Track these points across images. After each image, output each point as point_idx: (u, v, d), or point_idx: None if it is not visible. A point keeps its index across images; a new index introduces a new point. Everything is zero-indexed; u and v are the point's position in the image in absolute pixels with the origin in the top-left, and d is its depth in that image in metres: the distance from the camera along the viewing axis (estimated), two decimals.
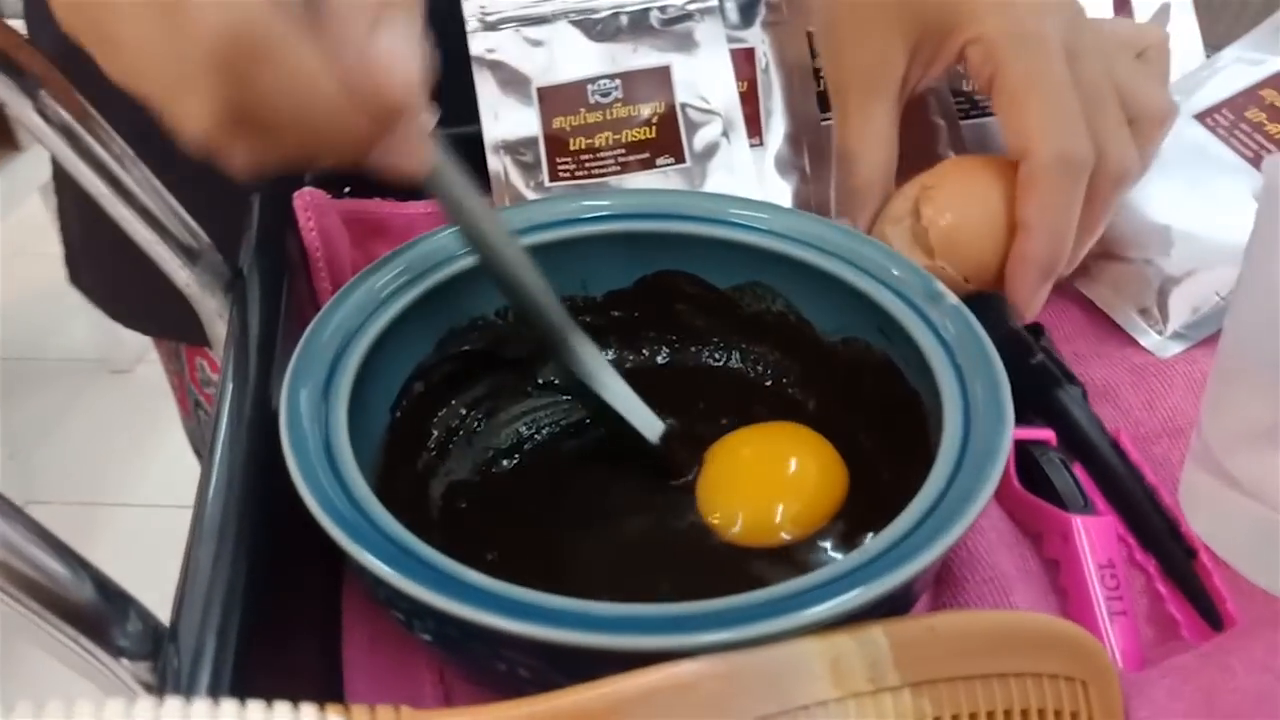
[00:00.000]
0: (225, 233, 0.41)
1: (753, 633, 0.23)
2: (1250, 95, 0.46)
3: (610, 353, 0.40)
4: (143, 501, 1.57)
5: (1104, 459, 0.35)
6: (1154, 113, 0.40)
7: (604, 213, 0.39)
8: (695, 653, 0.23)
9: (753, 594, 0.24)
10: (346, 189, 0.46)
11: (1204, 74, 0.49)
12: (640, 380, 0.40)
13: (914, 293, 0.35)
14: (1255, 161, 0.43)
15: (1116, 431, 0.36)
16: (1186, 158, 0.45)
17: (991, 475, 0.27)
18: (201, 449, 0.73)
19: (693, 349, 0.40)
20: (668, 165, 0.46)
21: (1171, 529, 0.34)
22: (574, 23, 0.48)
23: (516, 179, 0.46)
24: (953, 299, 0.34)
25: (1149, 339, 0.41)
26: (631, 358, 0.41)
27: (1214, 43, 0.52)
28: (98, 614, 0.24)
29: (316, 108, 0.24)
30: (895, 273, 0.36)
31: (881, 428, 0.35)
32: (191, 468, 0.36)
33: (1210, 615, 0.32)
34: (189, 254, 0.38)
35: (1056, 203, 0.37)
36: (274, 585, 0.30)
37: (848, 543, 0.32)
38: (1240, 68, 0.47)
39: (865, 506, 0.33)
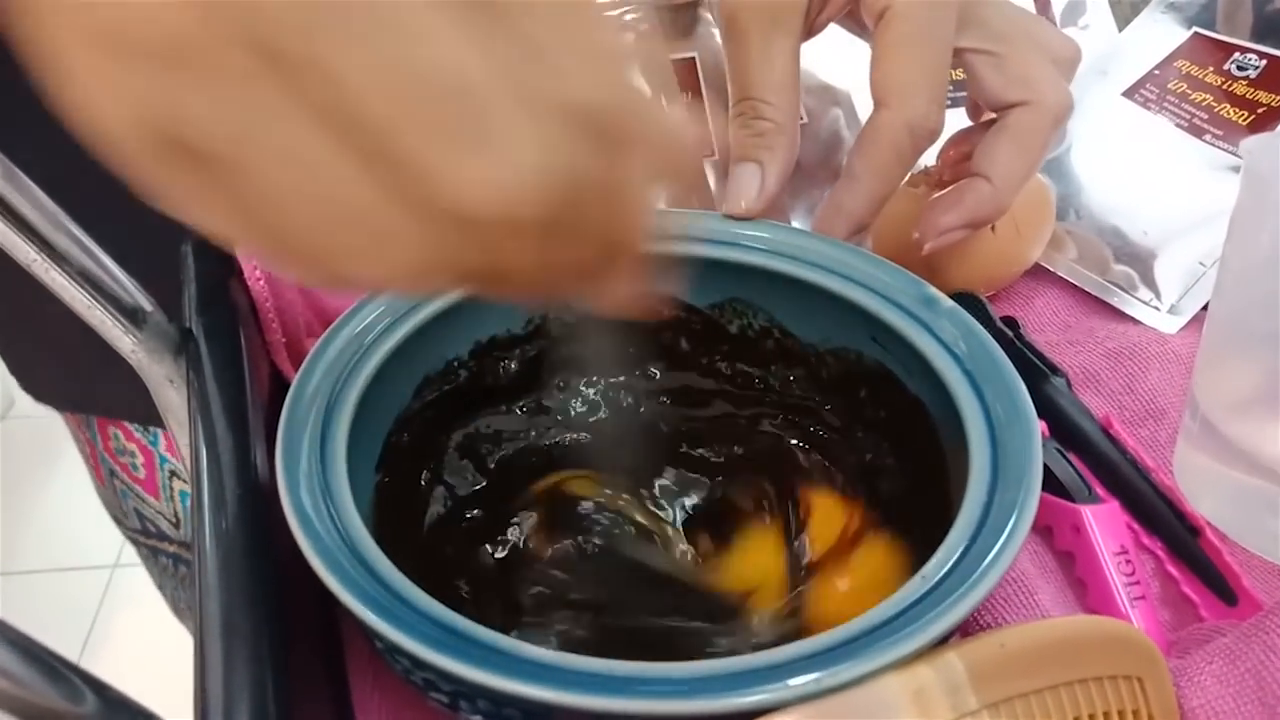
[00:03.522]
0: (159, 287, 0.38)
1: (840, 678, 0.22)
2: (1167, 68, 0.48)
3: (596, 386, 0.39)
4: (24, 568, 1.47)
5: (1098, 447, 0.36)
6: (1069, 55, 0.40)
7: None
8: (786, 705, 0.22)
9: (828, 635, 0.24)
10: None
11: (1116, 52, 0.50)
12: (630, 410, 0.39)
13: (906, 298, 0.34)
14: (1192, 130, 0.45)
15: (1106, 417, 0.37)
16: (1127, 135, 0.47)
17: (1033, 484, 0.27)
18: (119, 516, 0.68)
19: (679, 373, 0.39)
20: None
21: (1173, 509, 0.34)
22: None
23: None
24: (947, 302, 0.34)
25: (1145, 314, 0.42)
26: (619, 389, 0.39)
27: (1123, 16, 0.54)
28: None
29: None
30: (885, 279, 0.35)
31: (889, 438, 0.35)
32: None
33: (1224, 592, 0.32)
34: (132, 317, 0.35)
35: (888, 164, 0.36)
36: (285, 665, 0.27)
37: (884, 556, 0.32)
38: (1148, 42, 0.49)
39: (891, 518, 0.33)
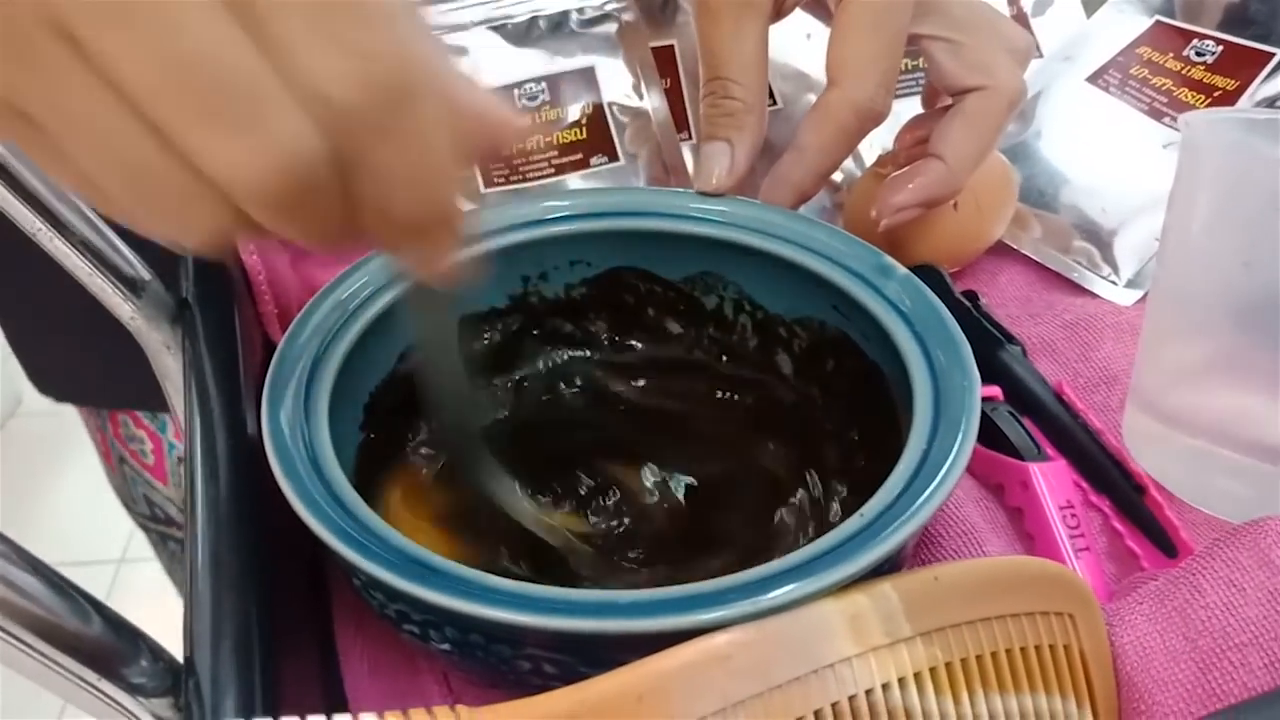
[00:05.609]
0: (159, 262, 0.40)
1: (778, 600, 0.24)
2: (1129, 55, 0.50)
3: (571, 353, 0.41)
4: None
5: (1050, 410, 0.37)
6: (1023, 45, 0.42)
7: (550, 215, 0.40)
8: (728, 625, 0.24)
9: (771, 564, 0.25)
10: None
11: (1083, 38, 0.52)
12: (607, 378, 0.41)
13: (864, 268, 0.36)
14: (1152, 113, 0.47)
15: (1058, 384, 0.38)
16: (1090, 118, 0.48)
17: (969, 430, 0.29)
18: (129, 502, 0.71)
19: (653, 344, 0.41)
20: (601, 164, 0.47)
21: (1120, 468, 0.36)
22: (493, 29, 0.48)
23: None
24: (902, 270, 0.36)
25: (1104, 289, 0.44)
26: (595, 357, 0.41)
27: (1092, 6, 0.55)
28: (112, 653, 0.24)
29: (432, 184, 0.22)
30: (844, 250, 0.37)
31: (847, 401, 0.37)
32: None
33: (1165, 545, 0.34)
34: (131, 286, 0.37)
35: (834, 140, 0.38)
36: (272, 611, 0.29)
37: (825, 505, 0.34)
38: (1113, 30, 0.51)
39: (842, 472, 0.35)
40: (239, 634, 0.26)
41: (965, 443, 0.28)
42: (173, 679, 0.25)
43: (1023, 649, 0.27)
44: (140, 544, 0.80)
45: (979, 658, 0.26)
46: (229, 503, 0.30)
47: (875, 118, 0.37)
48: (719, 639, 0.23)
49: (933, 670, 0.26)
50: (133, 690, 0.24)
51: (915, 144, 0.41)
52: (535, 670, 0.26)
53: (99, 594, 0.25)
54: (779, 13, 0.40)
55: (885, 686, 0.25)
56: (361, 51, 0.20)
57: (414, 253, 0.25)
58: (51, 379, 0.66)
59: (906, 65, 0.52)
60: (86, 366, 0.63)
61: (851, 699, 0.24)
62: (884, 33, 0.37)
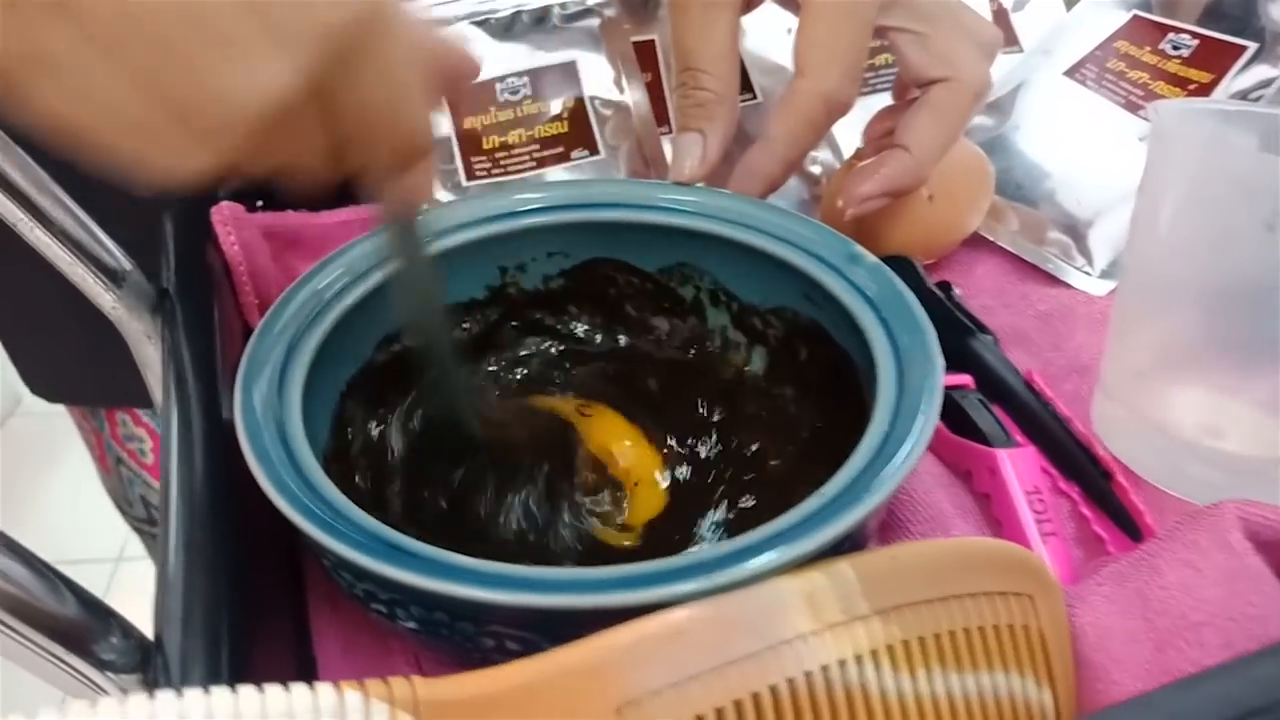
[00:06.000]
0: (141, 253, 0.40)
1: (734, 577, 0.24)
2: (1107, 48, 0.50)
3: (550, 343, 0.42)
4: None
5: (1020, 397, 0.38)
6: (990, 38, 0.42)
7: (526, 207, 0.40)
8: (684, 601, 0.24)
9: (730, 541, 0.26)
10: (259, 203, 0.46)
11: (1062, 32, 0.52)
12: (585, 367, 0.41)
13: (834, 257, 0.37)
14: (1129, 106, 0.47)
15: (1029, 372, 0.39)
16: (1067, 112, 0.49)
17: (930, 413, 0.29)
18: (125, 506, 0.71)
19: (631, 333, 0.42)
20: (582, 158, 0.47)
21: (1088, 454, 0.36)
22: (476, 23, 0.48)
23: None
24: (871, 259, 0.36)
25: (1079, 280, 0.44)
26: (573, 347, 0.42)
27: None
28: (83, 630, 0.24)
29: (402, 114, 0.25)
30: (815, 240, 0.37)
31: (818, 389, 0.37)
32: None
33: (1130, 529, 0.34)
34: (112, 276, 0.38)
35: (801, 130, 0.39)
36: (245, 590, 0.30)
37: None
38: (1091, 23, 0.51)
39: (810, 458, 0.35)
40: (208, 612, 0.26)
41: (926, 425, 0.29)
42: (142, 655, 0.25)
43: (981, 628, 0.28)
44: (138, 542, 0.80)
45: (937, 636, 0.27)
46: (204, 486, 0.30)
47: (842, 108, 0.38)
48: (675, 614, 0.24)
49: (890, 648, 0.26)
50: (102, 666, 0.25)
51: (883, 135, 0.42)
52: (499, 648, 0.27)
53: (97, 592, 0.25)
54: (749, 5, 0.40)
55: (842, 663, 0.25)
56: None
57: (391, 180, 0.27)
58: (46, 380, 0.66)
59: (887, 61, 0.52)
60: (81, 366, 0.64)
61: (808, 675, 0.25)
62: (850, 24, 0.37)
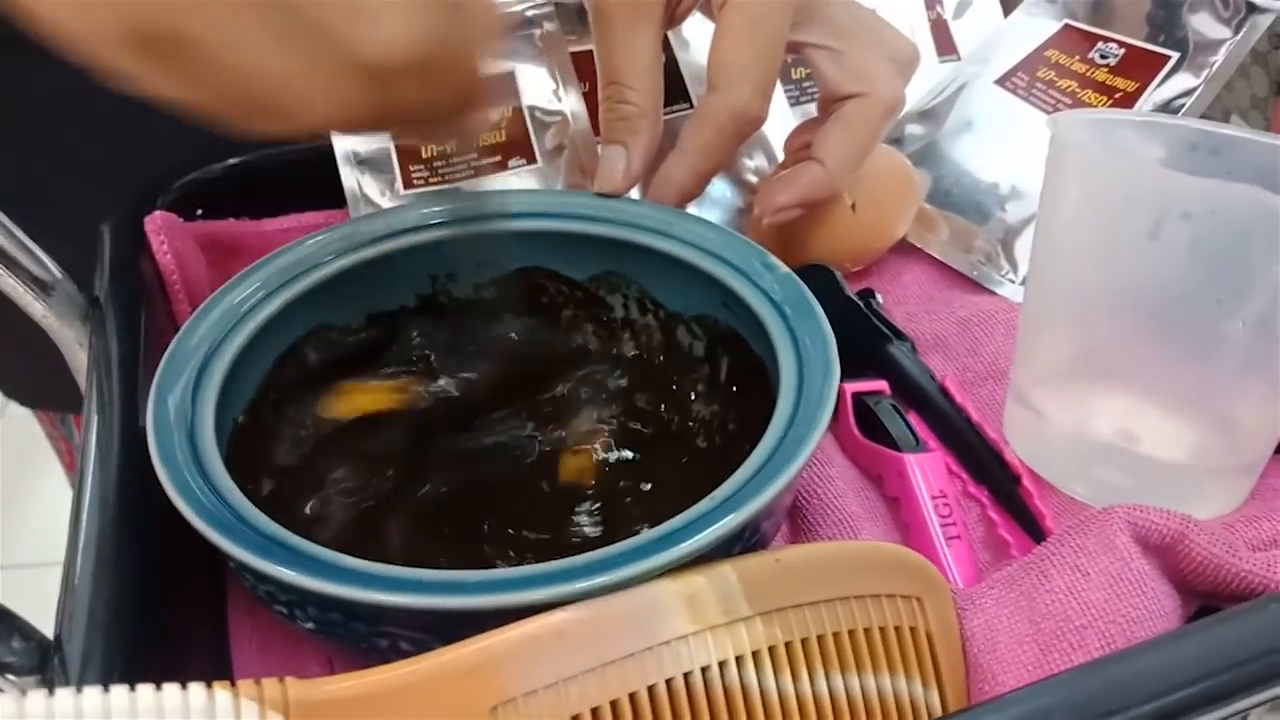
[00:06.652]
0: (76, 262, 0.41)
1: (615, 578, 0.25)
2: (1037, 57, 0.51)
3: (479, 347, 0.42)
4: (22, 562, 1.51)
5: (933, 403, 0.39)
6: (907, 55, 0.43)
7: (458, 215, 0.41)
8: (566, 603, 0.25)
9: (614, 546, 0.26)
10: (199, 211, 0.47)
11: (995, 42, 0.53)
12: (512, 365, 0.42)
13: (749, 267, 0.37)
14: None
15: (944, 378, 0.40)
16: (998, 120, 0.50)
17: (821, 420, 0.30)
18: None
19: (559, 337, 0.42)
20: (520, 166, 0.48)
21: (998, 459, 0.37)
22: None
23: (370, 189, 0.47)
24: (783, 268, 0.37)
25: (1005, 289, 0.45)
26: (503, 348, 0.42)
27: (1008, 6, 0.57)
28: None
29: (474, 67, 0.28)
30: (732, 249, 0.38)
31: (735, 395, 0.38)
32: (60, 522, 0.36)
33: (1034, 532, 0.35)
34: (42, 286, 0.38)
35: (713, 143, 0.40)
36: (157, 592, 0.30)
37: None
38: (1025, 33, 0.52)
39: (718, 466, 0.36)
40: (109, 613, 0.27)
41: (817, 428, 0.29)
42: (40, 656, 0.26)
43: (867, 630, 0.28)
44: None
45: (820, 638, 0.27)
46: (117, 489, 0.31)
47: (752, 122, 0.39)
48: (554, 616, 0.25)
49: (772, 649, 0.27)
50: (1, 668, 0.25)
51: (801, 148, 0.43)
52: (393, 648, 0.27)
53: None
54: (672, 19, 0.41)
55: (723, 664, 0.26)
56: None
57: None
58: (14, 385, 0.67)
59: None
60: (46, 371, 0.64)
61: (687, 676, 0.25)
62: (760, 39, 0.38)
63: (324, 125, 0.27)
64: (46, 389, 0.66)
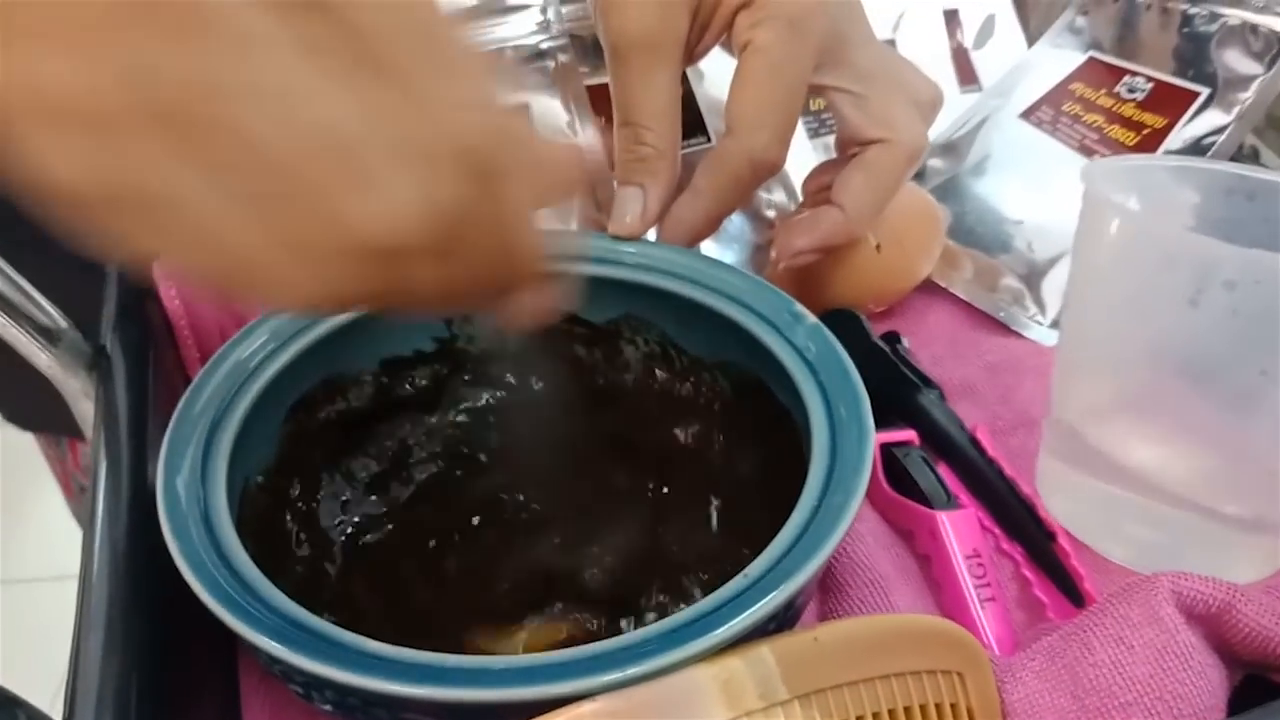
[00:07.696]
0: (82, 309, 0.40)
1: (648, 668, 0.24)
2: (1062, 90, 0.50)
3: (499, 394, 0.41)
4: (26, 576, 1.50)
5: (964, 455, 0.38)
6: (930, 98, 0.42)
7: None
8: (596, 693, 0.24)
9: (644, 630, 0.25)
10: None
11: (1018, 74, 0.52)
12: (529, 419, 0.41)
13: (775, 316, 0.36)
14: (1082, 150, 0.47)
15: (974, 427, 0.39)
16: (1022, 155, 0.49)
17: (857, 490, 0.29)
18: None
19: (580, 382, 0.41)
20: None
21: (1031, 515, 0.36)
22: None
23: None
24: (811, 319, 0.36)
25: (1034, 330, 0.44)
26: (522, 397, 0.41)
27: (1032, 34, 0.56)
28: None
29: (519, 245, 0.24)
30: (758, 297, 0.37)
31: (758, 446, 0.37)
32: (74, 535, 0.35)
33: (1072, 593, 0.34)
34: (48, 335, 0.37)
35: (727, 187, 0.39)
36: (169, 667, 0.29)
37: (732, 562, 0.34)
38: (1048, 65, 0.51)
39: (749, 524, 0.35)
40: (121, 699, 0.26)
41: (853, 500, 0.28)
42: None
43: (908, 708, 0.27)
44: None
45: (859, 718, 0.26)
46: (126, 555, 0.30)
47: (769, 167, 0.38)
48: (585, 707, 0.23)
49: None
50: None
51: (819, 190, 0.42)
52: None
53: None
54: (691, 57, 0.40)
55: None
56: (473, 86, 0.22)
57: (504, 303, 0.26)
58: (10, 409, 0.66)
59: None
60: (42, 396, 0.64)
61: None
62: (781, 86, 0.37)
63: (312, 306, 0.22)
64: (44, 414, 0.65)
